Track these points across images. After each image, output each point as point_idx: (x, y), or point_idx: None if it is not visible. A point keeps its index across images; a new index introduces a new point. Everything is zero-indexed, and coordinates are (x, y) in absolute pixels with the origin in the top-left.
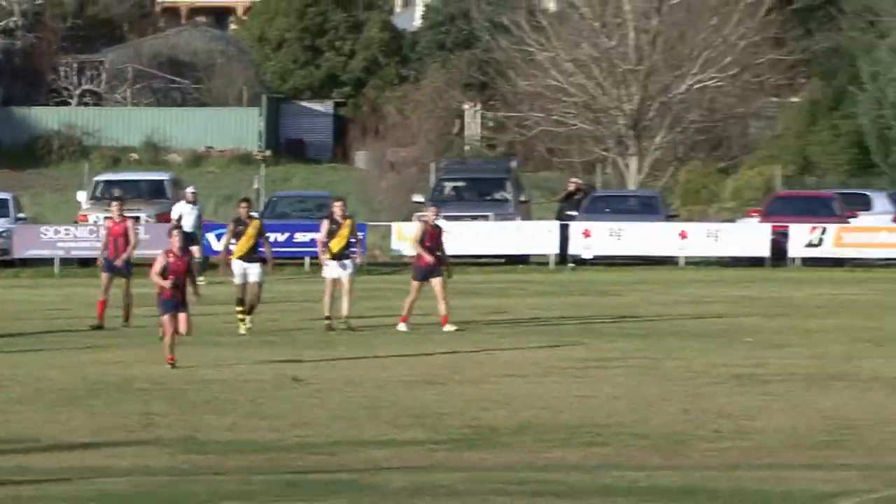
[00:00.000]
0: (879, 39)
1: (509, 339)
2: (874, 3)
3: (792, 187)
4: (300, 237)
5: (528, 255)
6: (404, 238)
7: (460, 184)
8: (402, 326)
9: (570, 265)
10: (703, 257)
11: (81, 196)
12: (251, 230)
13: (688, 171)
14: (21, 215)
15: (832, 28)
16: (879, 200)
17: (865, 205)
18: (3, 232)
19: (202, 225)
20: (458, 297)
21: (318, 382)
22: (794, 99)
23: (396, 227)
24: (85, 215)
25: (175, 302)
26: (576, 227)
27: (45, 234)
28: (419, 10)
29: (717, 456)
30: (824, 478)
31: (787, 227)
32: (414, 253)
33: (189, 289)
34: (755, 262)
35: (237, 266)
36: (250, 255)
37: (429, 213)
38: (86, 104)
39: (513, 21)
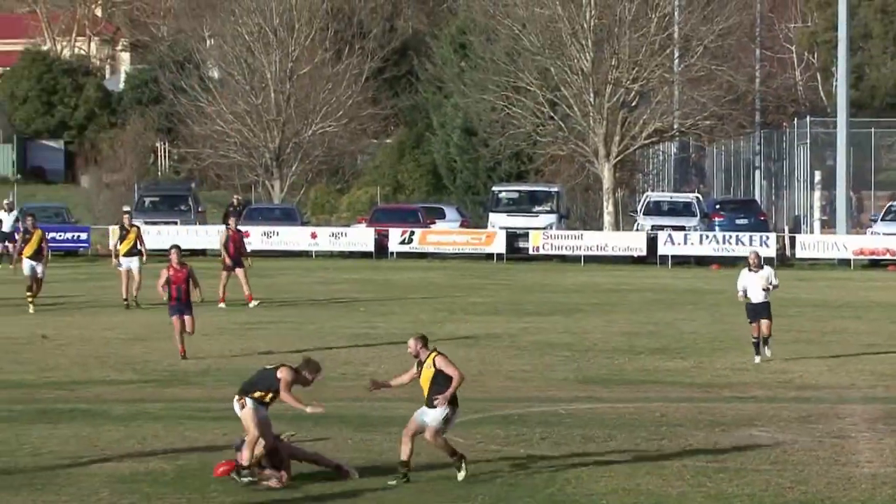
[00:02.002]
0: (445, 99)
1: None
2: (440, 74)
3: (388, 202)
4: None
5: (205, 250)
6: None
7: (156, 199)
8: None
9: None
10: (328, 251)
11: None
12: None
13: (315, 190)
14: None
15: (412, 91)
16: (450, 212)
17: (441, 215)
18: None
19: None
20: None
21: (60, 339)
22: (388, 140)
23: (112, 229)
24: None
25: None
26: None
27: None
28: (123, 76)
29: (344, 392)
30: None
31: (386, 230)
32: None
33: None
34: (365, 255)
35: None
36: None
37: (231, 222)
38: None
39: (188, 84)
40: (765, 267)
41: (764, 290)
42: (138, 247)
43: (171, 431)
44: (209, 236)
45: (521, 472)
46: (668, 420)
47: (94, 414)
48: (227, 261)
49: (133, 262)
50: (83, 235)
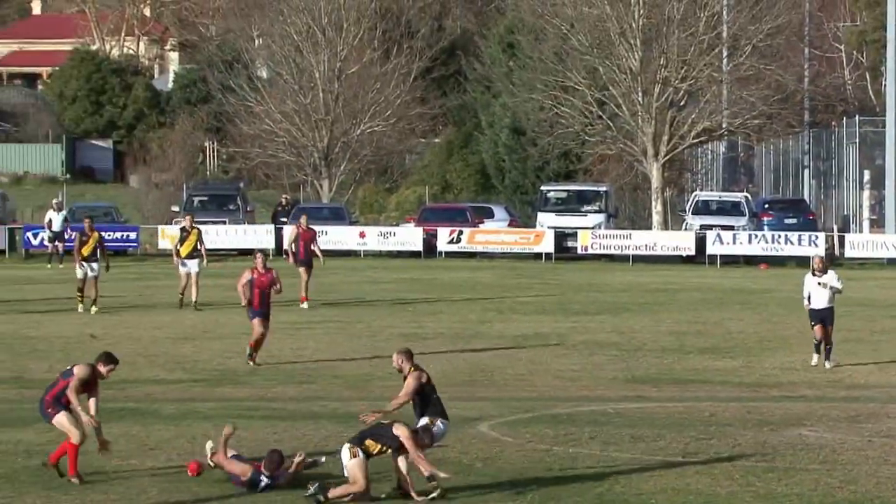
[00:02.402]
0: (493, 99)
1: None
2: (488, 73)
3: (436, 202)
4: None
5: (253, 249)
6: (167, 236)
7: (204, 198)
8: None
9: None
10: (376, 251)
11: None
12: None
13: (363, 189)
14: None
15: (460, 90)
16: (499, 211)
17: (489, 214)
18: None
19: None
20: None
21: (108, 338)
22: (436, 140)
23: (160, 228)
24: None
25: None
26: (287, 229)
27: None
28: (171, 76)
29: (391, 390)
30: (467, 406)
31: (435, 230)
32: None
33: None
34: (413, 254)
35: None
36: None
37: (302, 220)
38: None
39: (237, 84)
40: (829, 271)
41: (833, 292)
42: (199, 248)
43: (221, 431)
44: (257, 236)
45: (571, 470)
46: (717, 419)
47: (144, 413)
48: (291, 259)
49: (193, 265)
50: (132, 235)
